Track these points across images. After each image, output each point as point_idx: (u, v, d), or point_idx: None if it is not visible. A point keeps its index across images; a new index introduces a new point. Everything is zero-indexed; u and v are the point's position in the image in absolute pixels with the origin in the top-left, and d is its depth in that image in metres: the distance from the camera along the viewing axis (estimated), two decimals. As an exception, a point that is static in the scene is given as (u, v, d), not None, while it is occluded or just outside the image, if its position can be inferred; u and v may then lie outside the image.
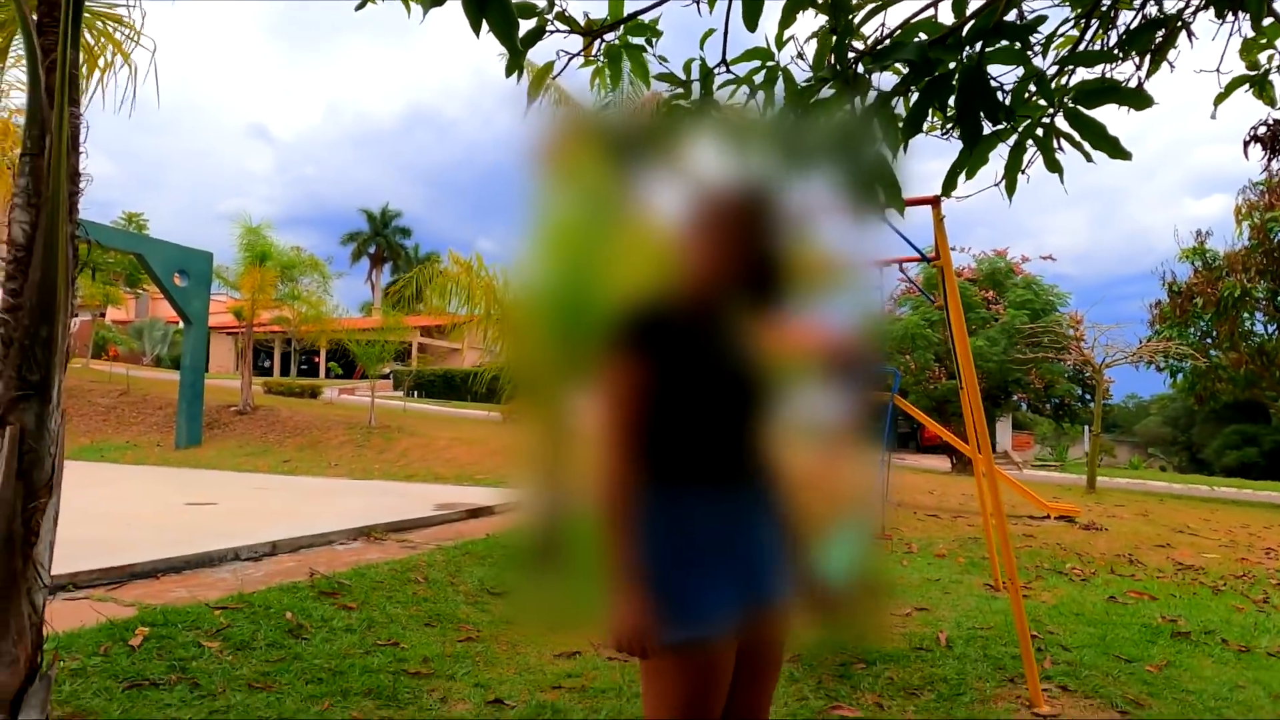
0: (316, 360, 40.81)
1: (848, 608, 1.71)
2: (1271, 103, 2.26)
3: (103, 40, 3.49)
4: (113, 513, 7.02)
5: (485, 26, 1.67)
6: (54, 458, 1.79)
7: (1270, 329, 16.52)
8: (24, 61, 3.14)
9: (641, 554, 1.43)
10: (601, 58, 2.35)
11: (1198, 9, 1.99)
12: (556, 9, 2.04)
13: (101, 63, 3.53)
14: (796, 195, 1.62)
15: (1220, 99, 2.33)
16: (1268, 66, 2.31)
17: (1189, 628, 4.86)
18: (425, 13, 1.49)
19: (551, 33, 2.10)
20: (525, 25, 1.96)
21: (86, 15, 3.19)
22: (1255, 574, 7.12)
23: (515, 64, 1.87)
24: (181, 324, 15.85)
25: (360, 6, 1.79)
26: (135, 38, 3.38)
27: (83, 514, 6.07)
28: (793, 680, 3.53)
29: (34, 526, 1.72)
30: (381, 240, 53.37)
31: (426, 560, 5.63)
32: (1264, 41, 2.23)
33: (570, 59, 2.18)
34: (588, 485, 1.58)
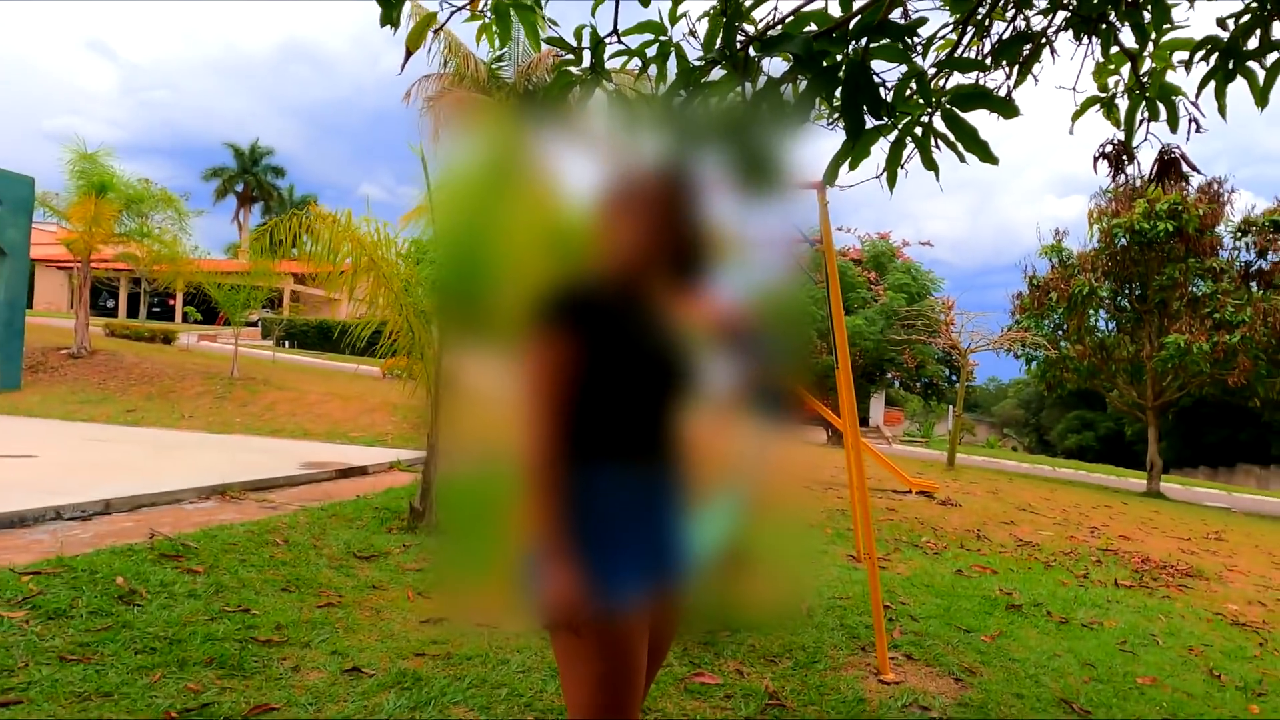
0: (171, 304, 37.88)
1: (720, 579, 1.76)
2: (1117, 124, 2.45)
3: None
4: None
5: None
6: None
7: (1110, 326, 18.19)
8: None
9: (563, 531, 1.43)
10: (489, 14, 2.24)
11: (1059, 29, 2.11)
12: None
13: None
14: (698, 173, 1.62)
15: (1076, 116, 2.50)
16: (1115, 91, 2.49)
17: (1021, 600, 5.32)
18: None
19: (435, -20, 1.98)
20: (407, -30, 1.83)
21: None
22: (1080, 551, 7.85)
23: (390, 15, 1.74)
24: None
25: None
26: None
27: None
28: (657, 647, 3.63)
29: None
30: (250, 179, 49.76)
31: (288, 522, 5.37)
32: (1111, 67, 2.41)
33: (454, 12, 2.06)
34: (504, 458, 1.57)
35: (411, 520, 5.53)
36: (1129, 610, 5.48)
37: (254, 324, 29.35)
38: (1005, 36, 2.20)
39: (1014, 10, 2.19)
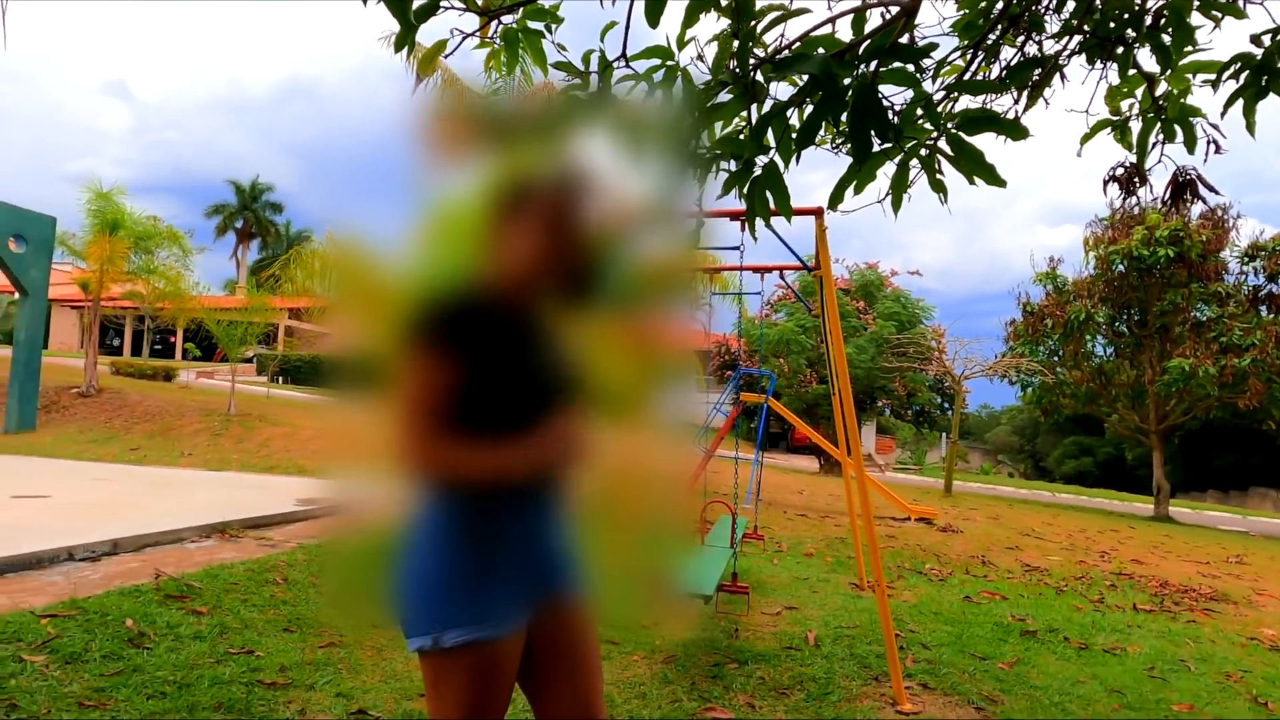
0: (172, 340, 37.87)
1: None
2: (1129, 147, 2.45)
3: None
4: (-80, 507, 6.16)
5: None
6: None
7: (1109, 351, 18.23)
8: None
9: (424, 552, 1.44)
10: (498, 40, 2.25)
11: (1072, 53, 2.12)
12: (451, -15, 1.93)
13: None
14: (591, 180, 1.57)
15: (1086, 139, 2.50)
16: (1128, 114, 2.49)
17: (1036, 626, 5.22)
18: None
19: (446, 9, 1.99)
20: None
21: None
22: (1092, 575, 7.74)
23: (406, 39, 1.74)
24: (16, 294, 14.21)
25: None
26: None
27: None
28: (666, 682, 3.55)
29: None
30: (250, 215, 50.15)
31: (286, 560, 5.29)
32: (1125, 90, 2.41)
33: (465, 39, 2.07)
34: (382, 474, 1.53)
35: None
36: (1153, 635, 5.36)
37: (249, 360, 29.31)
38: (1016, 62, 2.21)
39: (1024, 36, 2.20)
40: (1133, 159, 2.48)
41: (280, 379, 28.02)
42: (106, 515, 6.20)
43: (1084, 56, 2.15)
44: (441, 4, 1.96)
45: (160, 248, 16.61)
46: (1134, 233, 16.26)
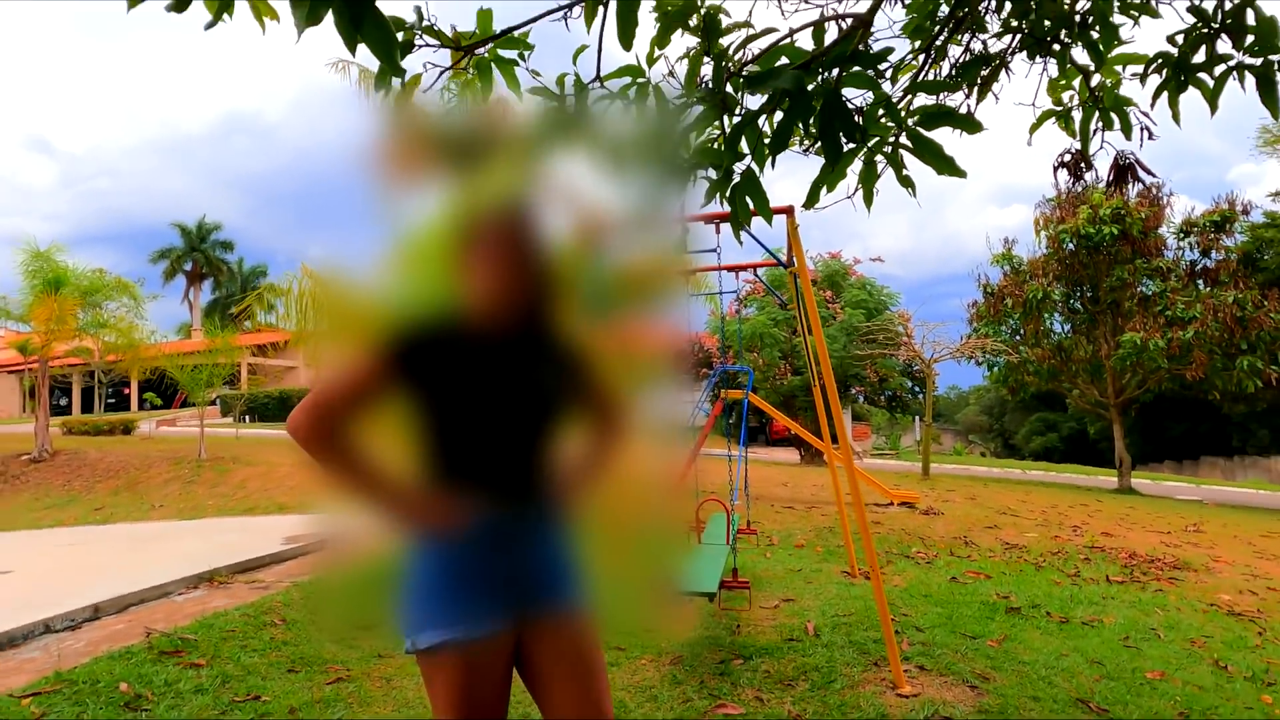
0: (126, 392, 36.87)
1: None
2: (1073, 134, 2.61)
3: None
4: None
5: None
6: None
7: (1066, 328, 18.69)
8: None
9: (406, 561, 1.56)
10: (471, 70, 2.30)
11: (1014, 51, 2.26)
12: (425, 23, 1.98)
13: None
14: (538, 208, 1.63)
15: (1034, 127, 2.66)
16: (1070, 104, 2.66)
17: (1019, 603, 5.37)
18: (300, 34, 1.40)
19: (420, 46, 2.04)
20: (392, 38, 1.88)
21: None
22: (1067, 550, 7.95)
23: (388, 81, 1.79)
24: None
25: (211, 25, 1.65)
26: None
27: None
28: (676, 683, 3.60)
29: None
30: (199, 255, 49.10)
31: (282, 600, 5.23)
32: (1064, 83, 2.58)
33: (442, 73, 2.12)
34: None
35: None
36: (1125, 605, 5.55)
37: (213, 403, 28.72)
38: (965, 60, 2.34)
39: (969, 35, 2.33)
40: (1078, 145, 2.62)
41: (246, 418, 27.50)
42: (81, 580, 5.91)
43: (1025, 53, 2.29)
44: (415, 42, 2.01)
45: (109, 299, 16.21)
46: (1079, 212, 16.74)
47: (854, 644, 4.22)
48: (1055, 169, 2.96)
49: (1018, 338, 18.65)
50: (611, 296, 1.81)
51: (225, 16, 1.71)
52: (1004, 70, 2.44)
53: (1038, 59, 2.36)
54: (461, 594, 1.53)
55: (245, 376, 34.53)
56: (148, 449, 16.51)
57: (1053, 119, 2.65)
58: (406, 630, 1.54)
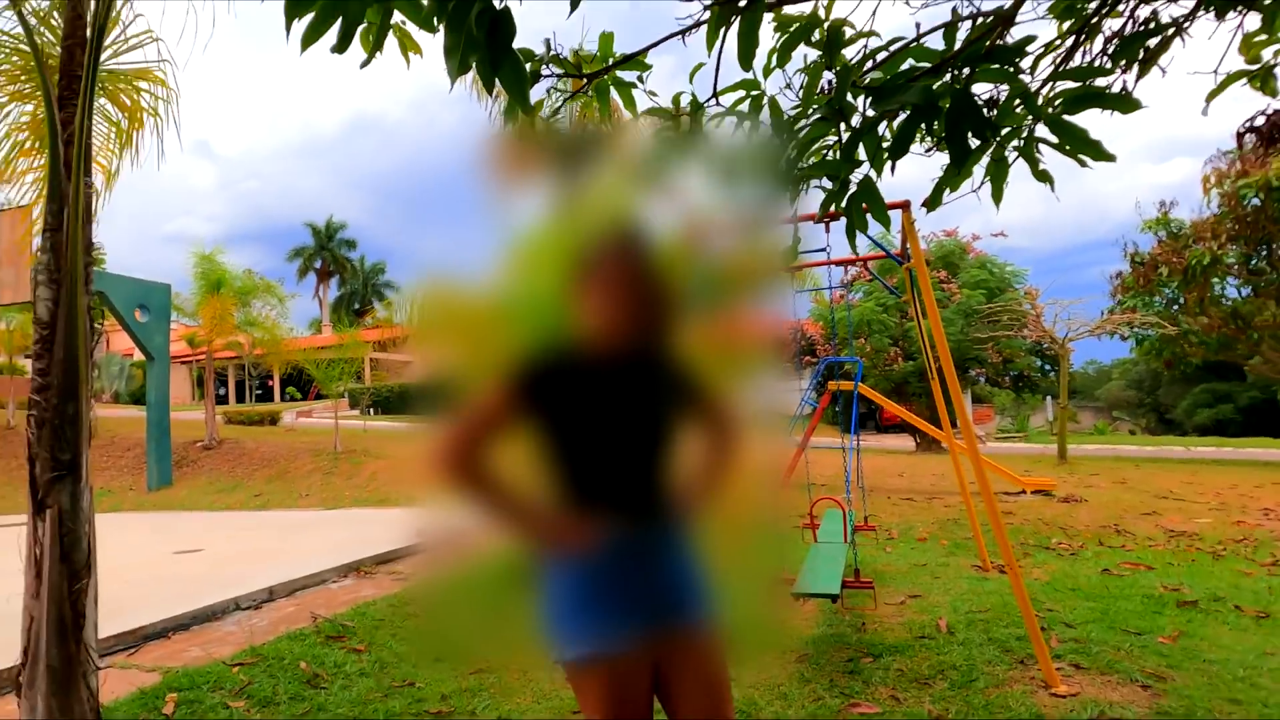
0: (270, 384, 39.87)
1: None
2: (1273, 94, 2.28)
3: (134, 98, 3.42)
4: (105, 569, 6.73)
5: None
6: (89, 537, 1.76)
7: (1244, 292, 16.64)
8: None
9: (546, 578, 1.64)
10: (590, 91, 2.37)
11: (1193, 12, 2.01)
12: (552, 53, 2.06)
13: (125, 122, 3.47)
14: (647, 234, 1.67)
15: (1213, 94, 2.35)
16: (1272, 61, 2.31)
17: (1195, 596, 4.93)
18: (453, 83, 1.49)
19: (547, 76, 2.12)
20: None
21: (105, 74, 3.11)
22: (1257, 537, 7.12)
23: (516, 114, 1.87)
24: (141, 357, 15.35)
25: (365, 64, 1.78)
26: (167, 96, 3.33)
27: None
28: (805, 681, 3.59)
29: (80, 609, 1.70)
30: (327, 254, 52.28)
31: (420, 592, 5.58)
32: (1264, 38, 2.25)
33: (566, 100, 2.20)
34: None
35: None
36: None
37: (342, 395, 30.61)
38: (1130, 32, 2.13)
39: (1134, 3, 2.11)
40: (1276, 107, 2.33)
41: (372, 410, 29.17)
42: (255, 563, 6.71)
43: (1213, 12, 2.03)
44: (543, 72, 2.09)
45: (257, 299, 17.68)
46: (1271, 164, 14.87)
47: (994, 641, 4.07)
48: (1241, 135, 2.68)
49: (1175, 308, 16.96)
50: (716, 292, 1.83)
51: (378, 54, 1.84)
52: (1180, 37, 2.17)
53: (1232, 13, 2.07)
54: (602, 610, 1.61)
55: (369, 370, 36.70)
56: (292, 440, 17.83)
57: (1242, 80, 2.36)
58: (553, 643, 1.63)
